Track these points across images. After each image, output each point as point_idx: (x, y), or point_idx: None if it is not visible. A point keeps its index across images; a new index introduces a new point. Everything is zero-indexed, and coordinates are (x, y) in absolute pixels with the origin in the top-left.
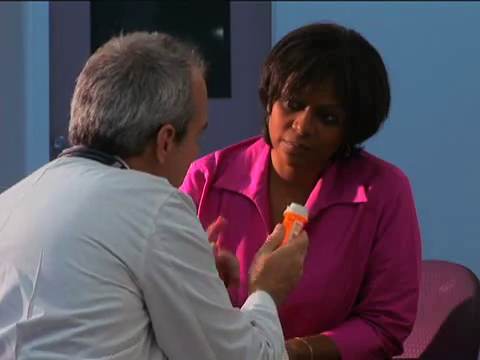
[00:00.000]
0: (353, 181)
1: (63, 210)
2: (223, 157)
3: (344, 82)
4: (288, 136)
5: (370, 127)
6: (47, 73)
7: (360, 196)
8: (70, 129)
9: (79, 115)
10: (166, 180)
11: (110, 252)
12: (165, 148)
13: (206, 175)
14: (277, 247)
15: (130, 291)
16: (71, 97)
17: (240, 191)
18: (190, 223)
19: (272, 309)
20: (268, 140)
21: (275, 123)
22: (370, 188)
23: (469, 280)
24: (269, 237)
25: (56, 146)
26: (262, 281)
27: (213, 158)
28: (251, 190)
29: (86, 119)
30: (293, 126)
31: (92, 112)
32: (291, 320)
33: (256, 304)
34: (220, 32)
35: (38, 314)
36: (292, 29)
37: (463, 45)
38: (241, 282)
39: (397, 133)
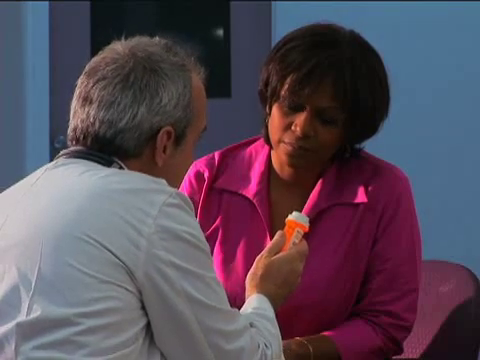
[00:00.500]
0: (353, 181)
1: (63, 209)
2: (223, 157)
3: (343, 83)
4: (288, 137)
5: (370, 128)
6: (47, 73)
7: (360, 196)
8: (69, 131)
9: (79, 117)
10: (164, 181)
11: (109, 251)
12: (164, 151)
13: (206, 175)
14: (277, 253)
15: (129, 290)
16: (71, 97)
17: (240, 191)
18: (189, 223)
19: (270, 312)
20: (268, 141)
21: (274, 124)
22: (370, 188)
23: (469, 280)
24: (270, 242)
25: (56, 146)
26: (261, 285)
27: (213, 158)
28: (251, 190)
29: (86, 120)
30: (292, 128)
31: (92, 113)
32: (291, 320)
33: (254, 307)
34: (220, 32)
35: (37, 313)
36: (292, 29)
37: (463, 45)
38: (240, 283)
39: (397, 133)
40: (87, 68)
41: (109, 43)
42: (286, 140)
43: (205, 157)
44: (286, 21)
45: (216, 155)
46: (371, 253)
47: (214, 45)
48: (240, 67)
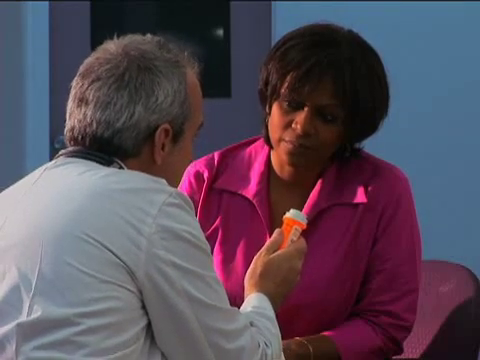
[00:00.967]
0: (353, 181)
1: (63, 209)
2: (223, 157)
3: (343, 82)
4: (288, 136)
5: (369, 126)
6: (47, 73)
7: (360, 196)
8: (66, 131)
9: (75, 117)
10: (164, 180)
11: (110, 251)
12: (162, 149)
13: (205, 175)
14: (276, 251)
15: (129, 290)
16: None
17: (240, 191)
18: (189, 223)
19: (270, 311)
20: (268, 141)
21: (275, 123)
22: (370, 188)
23: (469, 280)
24: (268, 241)
25: (56, 146)
26: (260, 283)
27: (212, 158)
28: (251, 190)
29: (83, 121)
30: (293, 126)
31: (89, 114)
32: (291, 320)
33: (254, 306)
34: (220, 32)
35: (38, 313)
36: (292, 29)
37: (463, 45)
38: (240, 283)
39: (397, 133)
40: (81, 69)
41: None
42: (286, 138)
43: (205, 157)
44: (286, 21)
45: (216, 155)
46: (371, 253)
47: (214, 45)
48: (240, 67)
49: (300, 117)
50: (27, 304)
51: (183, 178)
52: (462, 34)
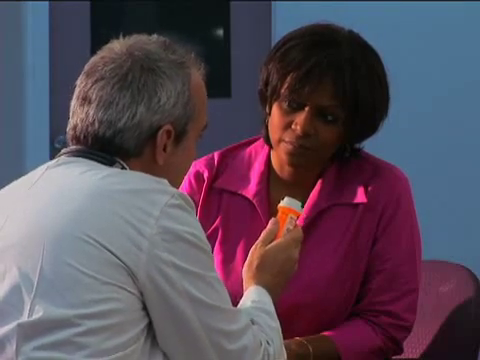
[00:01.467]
0: (353, 181)
1: (64, 209)
2: (223, 157)
3: (343, 83)
4: (288, 136)
5: (370, 127)
6: (47, 73)
7: (360, 196)
8: (68, 129)
9: (78, 116)
10: (166, 181)
11: (109, 252)
12: (164, 150)
13: (205, 175)
14: (272, 241)
15: (130, 292)
16: (71, 97)
17: (240, 191)
18: (190, 224)
19: (269, 305)
20: (268, 141)
21: (275, 123)
22: (370, 188)
23: (469, 280)
24: (264, 231)
25: (56, 146)
26: (258, 276)
27: (212, 158)
28: (251, 190)
29: (85, 120)
30: (293, 126)
31: (91, 113)
32: (291, 320)
33: (253, 300)
34: (220, 32)
35: (39, 314)
36: (292, 29)
37: (463, 45)
38: (240, 283)
39: (397, 133)
40: (86, 68)
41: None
42: (286, 139)
43: (205, 157)
44: (286, 21)
45: (216, 155)
46: (371, 253)
47: (214, 45)
48: (240, 67)
49: (300, 118)
50: (28, 304)
51: None
52: (462, 34)
